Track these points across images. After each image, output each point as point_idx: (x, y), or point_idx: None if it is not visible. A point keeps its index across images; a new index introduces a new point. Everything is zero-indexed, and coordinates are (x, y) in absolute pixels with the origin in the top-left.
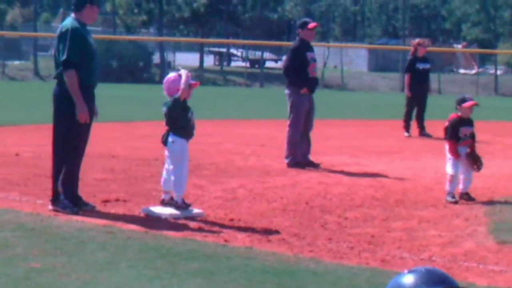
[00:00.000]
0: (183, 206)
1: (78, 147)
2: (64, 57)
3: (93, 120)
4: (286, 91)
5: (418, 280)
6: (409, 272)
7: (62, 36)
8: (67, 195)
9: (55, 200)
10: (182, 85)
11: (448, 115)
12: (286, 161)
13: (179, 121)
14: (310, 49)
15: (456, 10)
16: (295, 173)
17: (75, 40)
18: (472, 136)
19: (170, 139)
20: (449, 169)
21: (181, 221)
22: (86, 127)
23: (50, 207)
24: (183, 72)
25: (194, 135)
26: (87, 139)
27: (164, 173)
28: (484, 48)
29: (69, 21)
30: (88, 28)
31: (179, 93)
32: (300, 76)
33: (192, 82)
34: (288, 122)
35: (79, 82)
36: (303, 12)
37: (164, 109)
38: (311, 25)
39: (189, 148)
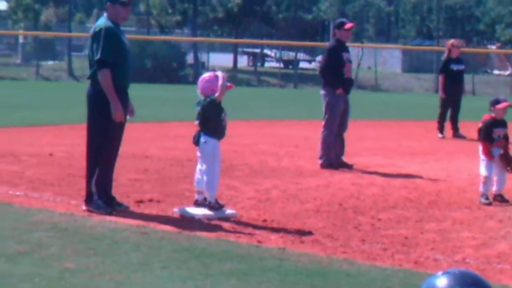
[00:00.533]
0: (216, 206)
1: (112, 147)
2: (98, 56)
3: (128, 120)
4: (322, 92)
5: (452, 282)
6: (443, 274)
7: (96, 36)
8: (100, 196)
9: (88, 200)
10: (219, 88)
11: (482, 117)
12: (319, 162)
13: (212, 121)
14: (346, 49)
15: (490, 11)
16: (328, 174)
17: (109, 39)
18: (506, 138)
19: (202, 139)
20: (482, 171)
21: (214, 222)
22: (120, 127)
23: (84, 207)
24: (220, 74)
25: (226, 135)
26: (121, 139)
27: (197, 173)
28: None
29: (103, 20)
30: (122, 28)
31: (217, 94)
32: (335, 76)
33: (228, 84)
34: (323, 123)
35: (113, 82)
36: (337, 13)
37: (198, 108)
38: (348, 25)
39: (221, 148)
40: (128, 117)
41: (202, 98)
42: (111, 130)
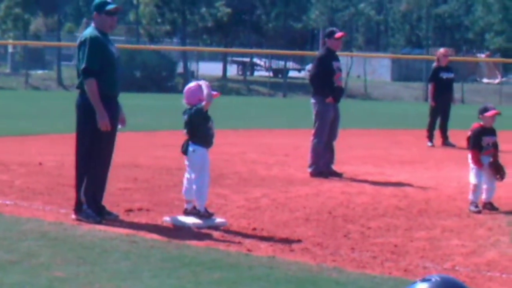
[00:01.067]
0: (206, 215)
1: (102, 156)
2: (83, 65)
3: (118, 129)
4: (312, 100)
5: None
6: (423, 281)
7: (81, 45)
8: (90, 205)
9: (78, 209)
10: (205, 97)
11: (471, 125)
12: (309, 170)
13: (200, 130)
14: (336, 58)
15: (479, 19)
16: (318, 182)
17: (95, 48)
18: (495, 146)
19: (190, 148)
20: (472, 179)
21: (204, 231)
22: (110, 136)
23: (73, 216)
24: (203, 83)
25: (214, 144)
26: (112, 148)
27: (185, 182)
28: (507, 57)
29: (89, 30)
30: (111, 37)
31: (203, 104)
32: (325, 85)
33: (214, 92)
34: (312, 131)
35: (100, 91)
36: (327, 22)
37: (185, 117)
38: (338, 34)
39: (209, 156)
40: (119, 126)
41: (188, 107)
42: (100, 139)
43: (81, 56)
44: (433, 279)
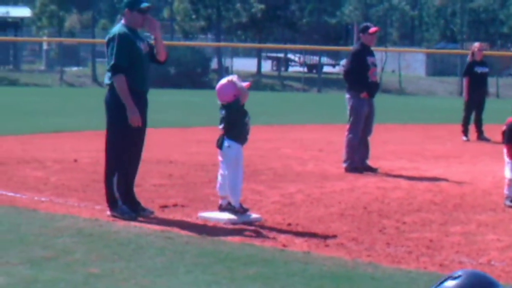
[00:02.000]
0: (241, 211)
1: (132, 152)
2: (112, 61)
3: (151, 124)
4: (346, 95)
5: (461, 285)
6: (450, 278)
7: (110, 42)
8: (124, 201)
9: (113, 206)
10: (240, 91)
11: (506, 119)
12: (344, 165)
13: (237, 125)
14: (371, 53)
15: None
16: (353, 177)
17: (123, 45)
18: None
19: (226, 143)
20: (507, 173)
21: (238, 226)
22: (139, 132)
23: (108, 213)
24: (234, 78)
25: (248, 140)
26: (142, 144)
27: (219, 178)
28: None
29: (118, 26)
30: (146, 33)
31: (240, 98)
32: (360, 80)
33: (245, 83)
34: (347, 126)
35: (129, 87)
36: (361, 17)
37: (222, 112)
38: (372, 29)
39: (243, 152)
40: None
41: (224, 104)
42: (129, 135)
43: (109, 53)
44: (461, 275)
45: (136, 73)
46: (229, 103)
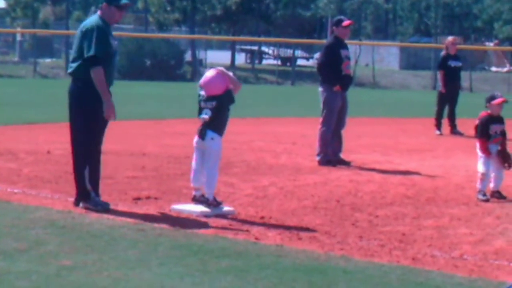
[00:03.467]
0: (214, 203)
1: (98, 144)
2: (91, 53)
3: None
4: (319, 88)
5: None
6: None
7: (88, 33)
8: (97, 192)
9: (85, 197)
10: (232, 81)
11: (479, 113)
12: (317, 158)
13: (224, 118)
14: (344, 46)
15: (488, 8)
16: (326, 171)
17: (101, 37)
18: (503, 134)
19: (209, 135)
20: (480, 167)
21: (212, 219)
22: (104, 124)
23: (81, 205)
24: (221, 69)
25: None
26: (103, 136)
27: (193, 170)
28: None
29: (95, 19)
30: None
31: (232, 88)
32: (333, 73)
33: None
34: (320, 120)
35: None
36: (336, 10)
37: (213, 103)
38: (346, 22)
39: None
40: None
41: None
42: (97, 127)
43: (86, 44)
44: None
45: (107, 69)
46: (221, 94)
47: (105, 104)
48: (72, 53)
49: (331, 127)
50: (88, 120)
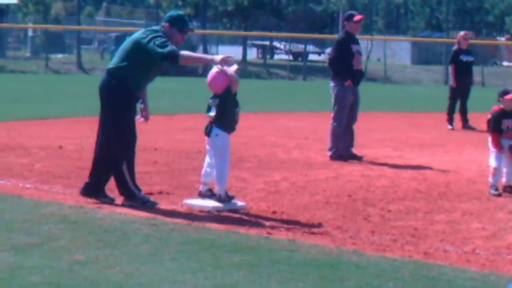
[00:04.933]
0: (226, 199)
1: (134, 139)
2: (166, 51)
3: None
4: (331, 83)
5: None
6: None
7: (152, 33)
8: (139, 189)
9: (131, 196)
10: (231, 78)
11: (491, 108)
12: (328, 153)
13: (227, 114)
14: (355, 41)
15: (499, 2)
16: (338, 166)
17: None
18: None
19: (214, 132)
20: (492, 162)
21: (224, 214)
22: (134, 119)
23: (126, 202)
24: (222, 67)
25: (236, 130)
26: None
27: (205, 165)
28: None
29: (156, 28)
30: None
31: (231, 86)
32: (344, 68)
33: (235, 67)
34: (332, 115)
35: (130, 89)
36: (347, 5)
37: (216, 100)
38: (357, 17)
39: (230, 141)
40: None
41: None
42: (132, 122)
43: (156, 43)
44: None
45: (144, 78)
46: (222, 93)
47: (210, 61)
48: (118, 54)
49: (343, 122)
50: (124, 115)
